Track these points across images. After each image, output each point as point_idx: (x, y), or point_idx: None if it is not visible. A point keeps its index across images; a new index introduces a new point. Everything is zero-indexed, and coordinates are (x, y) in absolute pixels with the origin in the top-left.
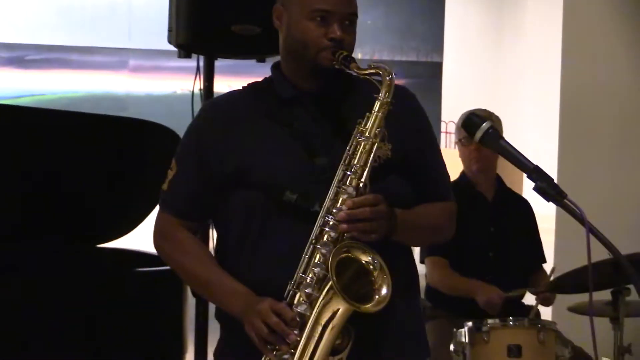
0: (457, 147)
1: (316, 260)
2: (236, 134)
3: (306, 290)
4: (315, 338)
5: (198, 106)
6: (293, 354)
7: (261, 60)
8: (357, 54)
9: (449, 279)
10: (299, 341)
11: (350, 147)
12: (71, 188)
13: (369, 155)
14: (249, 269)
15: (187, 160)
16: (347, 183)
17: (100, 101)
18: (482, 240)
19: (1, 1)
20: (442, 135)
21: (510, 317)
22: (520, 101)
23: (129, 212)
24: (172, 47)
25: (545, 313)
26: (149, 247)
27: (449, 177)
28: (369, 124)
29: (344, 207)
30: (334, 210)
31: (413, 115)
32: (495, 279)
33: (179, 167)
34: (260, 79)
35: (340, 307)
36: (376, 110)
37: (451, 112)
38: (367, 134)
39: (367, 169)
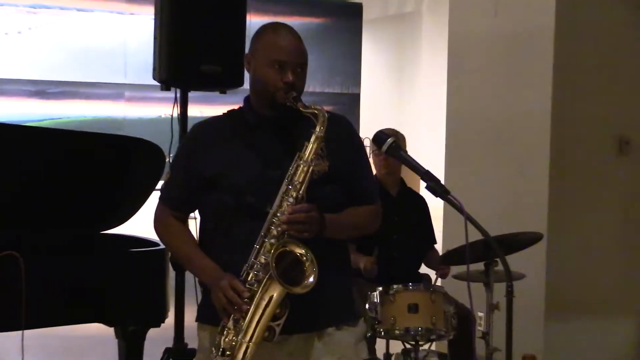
0: (371, 156)
1: (265, 250)
2: (215, 149)
3: (255, 272)
4: (261, 308)
5: (177, 127)
6: (244, 319)
7: (223, 92)
8: None
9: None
10: (249, 309)
11: (292, 168)
12: (83, 189)
13: (306, 174)
14: (219, 252)
15: (178, 167)
16: (289, 194)
17: (102, 124)
18: (389, 227)
19: (26, 48)
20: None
21: (410, 283)
22: (417, 121)
23: (125, 207)
24: (157, 82)
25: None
26: (140, 233)
27: (376, 185)
28: (307, 152)
29: (285, 212)
30: (279, 214)
31: (348, 138)
32: (399, 256)
33: (172, 172)
34: (230, 107)
35: (277, 288)
36: (312, 141)
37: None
38: (304, 159)
39: (304, 184)
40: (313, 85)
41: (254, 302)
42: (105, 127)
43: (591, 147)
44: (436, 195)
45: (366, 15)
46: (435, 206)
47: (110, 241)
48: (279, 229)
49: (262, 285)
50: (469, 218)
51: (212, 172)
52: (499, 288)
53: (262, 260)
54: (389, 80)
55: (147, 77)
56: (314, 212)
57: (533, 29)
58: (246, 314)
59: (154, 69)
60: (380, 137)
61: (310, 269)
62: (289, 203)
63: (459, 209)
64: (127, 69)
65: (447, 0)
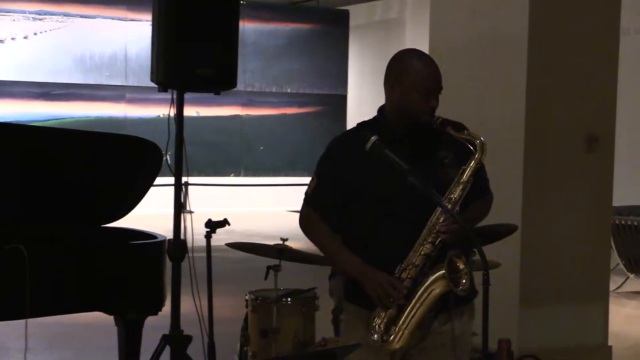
0: None
1: (420, 254)
2: (361, 162)
3: (409, 272)
4: (420, 302)
5: (173, 126)
6: (403, 311)
7: (217, 93)
8: (287, 89)
9: None
10: (404, 304)
11: (451, 186)
12: (86, 185)
13: (462, 192)
14: (366, 253)
15: (326, 176)
16: (447, 208)
17: (105, 123)
18: None
19: (32, 52)
20: None
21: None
22: None
23: (125, 202)
24: (155, 84)
25: None
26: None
27: (487, 178)
28: (466, 174)
29: (443, 224)
30: (437, 226)
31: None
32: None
33: (320, 180)
34: (224, 108)
35: (441, 288)
36: (472, 165)
37: None
38: (462, 180)
39: (459, 201)
40: (303, 87)
41: (416, 296)
42: (107, 126)
43: (562, 144)
44: (417, 191)
45: (353, 21)
46: None
47: (111, 234)
48: (438, 237)
49: (426, 282)
50: (448, 212)
51: (360, 183)
52: (477, 276)
53: (417, 262)
54: (374, 83)
55: (146, 80)
56: (467, 222)
57: (508, 34)
58: (402, 307)
59: (152, 72)
60: (364, 136)
61: (467, 278)
62: (442, 214)
63: (440, 203)
64: (128, 72)
65: (428, 8)
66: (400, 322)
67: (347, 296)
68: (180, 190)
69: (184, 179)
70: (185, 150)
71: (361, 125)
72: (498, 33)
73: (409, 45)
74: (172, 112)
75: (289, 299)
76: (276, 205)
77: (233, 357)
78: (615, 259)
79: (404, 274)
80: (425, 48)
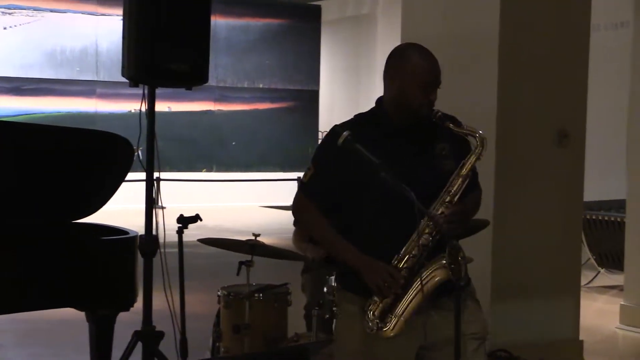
0: None
1: (418, 244)
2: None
3: (407, 261)
4: (414, 294)
5: (144, 122)
6: (399, 299)
7: (189, 88)
8: (259, 85)
9: (297, 242)
10: (401, 292)
11: (451, 179)
12: (57, 180)
13: (461, 185)
14: (364, 242)
15: (324, 166)
16: (445, 200)
17: (76, 119)
18: None
19: (2, 47)
20: (319, 141)
21: None
22: None
23: (96, 197)
24: (126, 79)
25: None
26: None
27: (477, 174)
28: (465, 167)
29: (443, 214)
30: (434, 215)
31: (462, 138)
32: None
33: (317, 169)
34: (196, 103)
35: (441, 277)
36: (472, 158)
37: (325, 125)
38: (462, 174)
39: (458, 193)
40: (275, 82)
41: (413, 285)
42: (78, 121)
43: (533, 140)
44: (389, 187)
45: (325, 16)
46: None
47: (82, 229)
48: (436, 227)
49: (425, 272)
50: (419, 207)
51: (358, 175)
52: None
53: (414, 252)
54: (346, 78)
55: (117, 75)
56: (465, 214)
57: (479, 31)
58: (398, 295)
59: (123, 67)
60: (336, 131)
61: (465, 269)
62: (444, 207)
63: (410, 198)
64: (99, 67)
65: (400, 4)
66: (397, 310)
67: (342, 285)
68: (151, 186)
69: (155, 175)
70: (157, 145)
71: (359, 116)
72: (469, 30)
73: (380, 40)
74: (144, 107)
75: (261, 295)
76: (248, 201)
77: (205, 353)
78: (586, 254)
79: (401, 263)
80: (396, 44)
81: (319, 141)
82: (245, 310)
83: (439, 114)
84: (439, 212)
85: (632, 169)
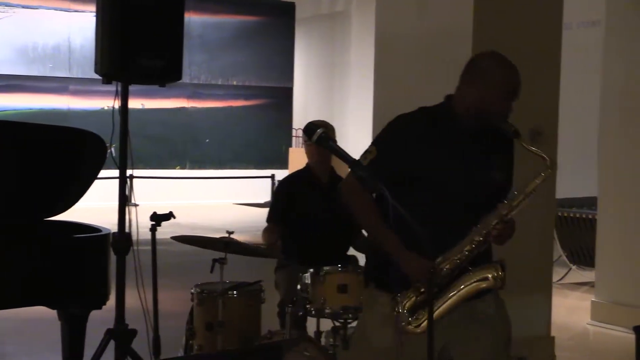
0: (303, 146)
1: (467, 249)
2: (425, 147)
3: (451, 263)
4: (450, 296)
5: (118, 119)
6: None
7: (162, 85)
8: (233, 82)
9: (264, 234)
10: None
11: (513, 195)
12: (29, 178)
13: (520, 202)
14: (409, 236)
15: (385, 152)
16: (502, 212)
17: (48, 115)
18: (319, 212)
19: None
20: (294, 139)
21: (340, 265)
22: (346, 114)
23: (69, 195)
24: (99, 76)
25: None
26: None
27: None
28: (530, 187)
29: (496, 226)
30: (490, 226)
31: (511, 153)
32: (328, 239)
33: (380, 153)
34: (171, 100)
35: (483, 286)
36: (538, 181)
37: (299, 122)
38: (525, 192)
39: (515, 209)
40: (249, 79)
41: (455, 289)
42: (50, 118)
43: None
44: (363, 184)
45: (299, 14)
46: None
47: (54, 227)
48: (487, 237)
49: (469, 279)
50: (394, 204)
51: (420, 168)
52: None
53: (459, 257)
54: (320, 75)
55: (90, 71)
56: (513, 227)
57: (453, 29)
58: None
59: (96, 64)
60: (310, 128)
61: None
62: (500, 219)
63: (385, 196)
64: (71, 63)
65: (374, 1)
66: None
67: (374, 281)
68: (124, 183)
69: (128, 172)
70: (130, 142)
71: (425, 111)
72: (443, 27)
73: (355, 37)
74: (117, 104)
75: (234, 292)
76: (222, 198)
77: (178, 350)
78: (557, 251)
79: (444, 263)
80: (371, 41)
81: (294, 138)
82: (219, 307)
83: (514, 127)
84: (494, 222)
85: (604, 166)
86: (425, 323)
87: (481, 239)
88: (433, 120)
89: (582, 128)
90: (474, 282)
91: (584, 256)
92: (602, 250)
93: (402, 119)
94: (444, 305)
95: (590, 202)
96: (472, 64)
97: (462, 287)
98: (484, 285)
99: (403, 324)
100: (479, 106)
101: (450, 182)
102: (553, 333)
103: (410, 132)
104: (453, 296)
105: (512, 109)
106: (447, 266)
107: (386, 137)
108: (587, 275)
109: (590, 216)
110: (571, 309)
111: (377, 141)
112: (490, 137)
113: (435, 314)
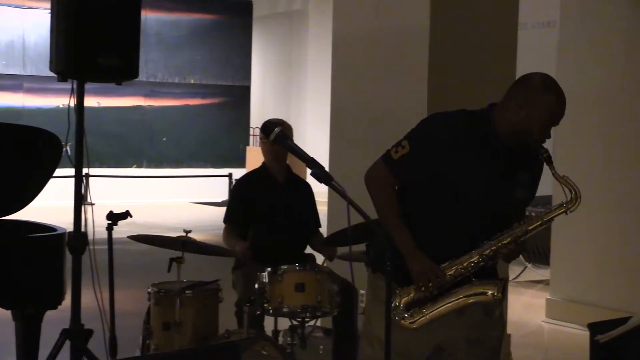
0: (260, 144)
1: (472, 260)
2: (456, 151)
3: (456, 270)
4: (449, 302)
5: (73, 117)
6: (425, 297)
7: (118, 83)
8: (190, 80)
9: (226, 239)
10: (438, 296)
11: (533, 218)
12: None
13: (537, 227)
14: (422, 236)
15: (417, 149)
16: (518, 235)
17: (2, 113)
18: (276, 211)
19: None
20: (251, 137)
21: (297, 264)
22: (303, 112)
23: (24, 194)
24: (54, 74)
25: (322, 260)
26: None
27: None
28: (550, 215)
29: (508, 242)
30: (502, 243)
31: (538, 173)
32: (286, 239)
33: (412, 150)
34: (128, 98)
35: (479, 300)
36: (559, 210)
37: (257, 121)
38: (543, 219)
39: (531, 232)
40: (206, 78)
41: (453, 294)
42: (4, 117)
43: None
44: (320, 181)
45: (256, 12)
46: (321, 192)
47: (8, 227)
48: (497, 253)
49: (471, 289)
50: (350, 203)
51: (447, 170)
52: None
53: (465, 265)
54: (278, 74)
55: (44, 69)
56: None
57: (410, 28)
58: (433, 295)
59: (51, 61)
60: (267, 127)
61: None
62: (511, 239)
63: (342, 194)
64: (26, 60)
65: (331, 0)
66: (426, 308)
67: (378, 269)
68: (80, 182)
69: (84, 171)
70: (86, 141)
71: (465, 115)
72: (400, 26)
73: (312, 36)
74: (72, 102)
75: (192, 292)
76: (179, 197)
77: (135, 350)
78: None
79: (450, 269)
80: (329, 39)
81: (251, 137)
82: (176, 307)
83: (547, 154)
84: (506, 241)
85: (558, 165)
86: (420, 319)
87: (490, 254)
88: (469, 125)
89: None
90: (472, 294)
91: (539, 254)
92: (556, 248)
93: (439, 119)
94: (440, 309)
95: (545, 201)
96: (527, 83)
97: (460, 296)
98: (482, 299)
99: (397, 318)
100: (522, 128)
101: (472, 190)
102: (509, 331)
103: (444, 133)
104: (450, 303)
105: (550, 135)
106: (451, 272)
107: (420, 134)
108: (543, 274)
109: None
110: (527, 307)
111: (410, 136)
112: (520, 153)
113: (431, 315)
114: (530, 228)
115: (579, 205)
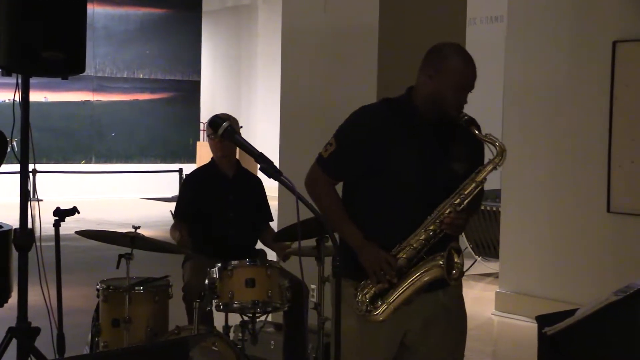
0: (207, 140)
1: (420, 238)
2: (385, 140)
3: (407, 252)
4: (413, 284)
5: (19, 112)
6: (393, 288)
7: (65, 78)
8: (139, 75)
9: (171, 232)
10: (395, 281)
11: (465, 183)
12: None
13: (473, 190)
14: (368, 227)
15: (347, 145)
16: (455, 201)
17: None
18: (225, 207)
19: None
20: (201, 132)
21: (247, 259)
22: (253, 107)
23: None
24: None
25: (272, 256)
26: None
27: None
28: (482, 174)
29: (449, 215)
30: (443, 215)
31: (479, 145)
32: (236, 234)
33: (340, 147)
34: (75, 94)
35: (435, 275)
36: (489, 167)
37: (207, 116)
38: (477, 180)
39: (469, 197)
40: (155, 73)
41: (409, 277)
42: None
43: None
44: (269, 176)
45: (205, 6)
46: (272, 186)
47: None
48: (442, 226)
49: (422, 267)
50: (300, 198)
51: (379, 159)
52: (329, 261)
53: (415, 245)
54: (228, 69)
55: None
56: (468, 219)
57: (359, 24)
58: (392, 283)
59: None
60: (215, 122)
61: (459, 270)
62: (452, 209)
63: (291, 189)
64: None
65: None
66: (388, 297)
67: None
68: (26, 178)
69: (31, 167)
70: (32, 136)
71: (387, 102)
72: (350, 22)
73: (262, 31)
74: (18, 97)
75: (141, 288)
76: (129, 193)
77: (84, 348)
78: (463, 243)
79: (401, 253)
80: (277, 35)
81: (201, 132)
82: (125, 303)
83: (466, 117)
84: (447, 212)
85: (507, 159)
86: (385, 310)
87: (435, 227)
88: (394, 112)
89: (486, 122)
90: (424, 271)
91: (488, 248)
92: (505, 242)
93: (362, 111)
94: (401, 295)
95: (494, 195)
96: (430, 55)
97: (415, 275)
98: (434, 274)
99: (362, 311)
100: (436, 98)
101: (409, 174)
102: None
103: (369, 124)
104: (408, 286)
105: (466, 101)
106: (404, 256)
107: (345, 129)
108: (492, 267)
109: (494, 209)
110: (476, 300)
111: (337, 133)
112: (453, 128)
113: (395, 303)
114: (466, 193)
115: (505, 159)
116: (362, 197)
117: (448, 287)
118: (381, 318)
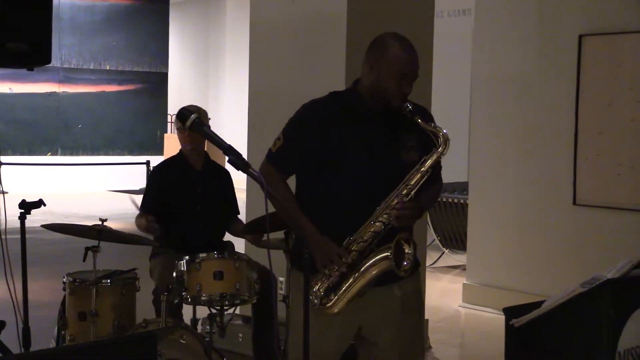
0: (176, 132)
1: (370, 230)
2: (330, 131)
3: (357, 245)
4: (364, 276)
5: None
6: (345, 280)
7: (30, 69)
8: (106, 66)
9: (138, 220)
10: (345, 273)
11: (411, 173)
12: None
13: (420, 180)
14: (320, 218)
15: (293, 139)
16: (402, 192)
17: None
18: (193, 199)
19: None
20: (169, 124)
21: (215, 252)
22: (221, 99)
23: None
24: None
25: (241, 248)
26: None
27: (441, 167)
28: (427, 164)
29: (396, 207)
30: (392, 206)
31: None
32: (204, 226)
33: (285, 142)
34: (39, 85)
35: (384, 267)
36: (433, 156)
37: (175, 108)
38: (422, 170)
39: (416, 188)
40: (122, 64)
41: (360, 270)
42: None
43: None
44: (237, 169)
45: None
46: (240, 179)
47: None
48: (390, 218)
49: (371, 259)
50: (268, 190)
51: (326, 152)
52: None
53: (365, 238)
54: (196, 60)
55: None
56: (418, 209)
57: (327, 15)
58: (344, 276)
59: None
60: (183, 114)
61: (410, 261)
62: (399, 200)
63: (259, 181)
64: None
65: None
66: (341, 290)
67: (293, 263)
68: None
69: None
70: None
71: (335, 95)
72: (318, 13)
73: (230, 22)
74: None
75: (108, 281)
76: (95, 185)
77: (50, 342)
78: (431, 235)
79: (352, 245)
80: (245, 25)
81: (169, 124)
82: (92, 297)
83: (409, 107)
84: (394, 203)
85: (474, 152)
86: (339, 302)
87: (383, 218)
88: (341, 104)
89: (454, 115)
90: (372, 263)
91: (455, 240)
92: (473, 234)
93: (308, 105)
94: (354, 287)
95: (461, 187)
96: (371, 46)
97: (365, 267)
98: (384, 266)
99: (316, 304)
100: (379, 87)
101: (358, 165)
102: (426, 316)
103: (315, 116)
104: (359, 279)
105: (410, 90)
106: (356, 248)
107: (292, 123)
108: (459, 259)
109: (461, 201)
110: (444, 292)
111: (286, 127)
112: (403, 119)
113: (347, 295)
114: (412, 183)
115: (448, 147)
116: (313, 190)
117: (404, 280)
118: (336, 310)
